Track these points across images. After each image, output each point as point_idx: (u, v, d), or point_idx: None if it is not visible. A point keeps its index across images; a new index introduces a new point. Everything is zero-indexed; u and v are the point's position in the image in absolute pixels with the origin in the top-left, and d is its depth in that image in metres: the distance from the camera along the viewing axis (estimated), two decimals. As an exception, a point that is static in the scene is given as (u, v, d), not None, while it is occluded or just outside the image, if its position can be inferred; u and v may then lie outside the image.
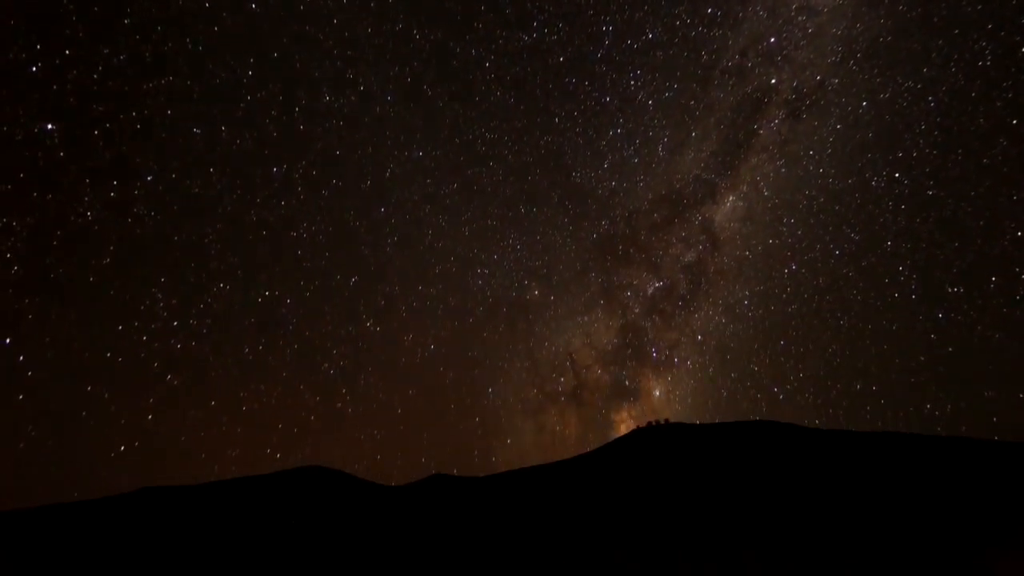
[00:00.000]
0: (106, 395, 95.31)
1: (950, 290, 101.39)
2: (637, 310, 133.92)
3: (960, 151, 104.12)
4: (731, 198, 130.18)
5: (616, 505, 31.97)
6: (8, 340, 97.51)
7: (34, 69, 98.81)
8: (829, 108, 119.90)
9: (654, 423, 49.24)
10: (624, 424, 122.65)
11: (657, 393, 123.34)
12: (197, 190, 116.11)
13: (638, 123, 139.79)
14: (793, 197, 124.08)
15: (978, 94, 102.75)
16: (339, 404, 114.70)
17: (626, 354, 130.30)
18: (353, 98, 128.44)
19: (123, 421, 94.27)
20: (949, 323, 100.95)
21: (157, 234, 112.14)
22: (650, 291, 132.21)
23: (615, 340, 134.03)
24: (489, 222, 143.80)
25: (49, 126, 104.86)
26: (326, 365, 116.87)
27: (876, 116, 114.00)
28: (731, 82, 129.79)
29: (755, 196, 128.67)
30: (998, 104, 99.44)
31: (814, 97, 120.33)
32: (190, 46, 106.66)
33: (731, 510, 28.05)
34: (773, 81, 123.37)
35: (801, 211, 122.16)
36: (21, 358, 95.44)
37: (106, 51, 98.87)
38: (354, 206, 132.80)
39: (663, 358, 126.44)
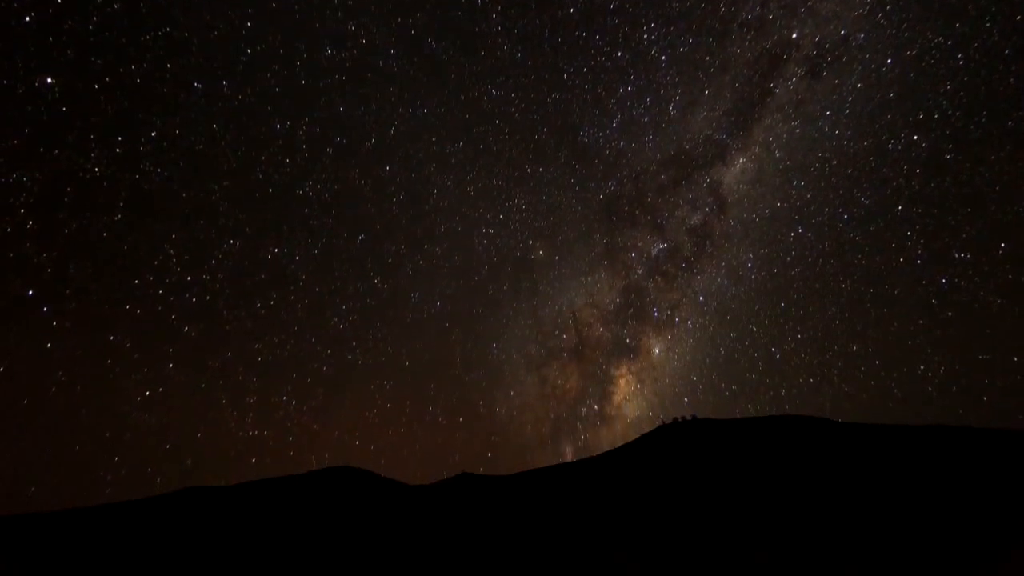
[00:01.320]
0: (128, 344, 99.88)
1: (957, 256, 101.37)
2: (640, 271, 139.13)
3: (985, 113, 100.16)
4: (741, 160, 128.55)
5: (642, 508, 32.24)
6: (31, 292, 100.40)
7: (27, 19, 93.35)
8: (851, 65, 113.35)
9: (680, 419, 49.16)
10: (623, 379, 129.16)
11: (656, 351, 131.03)
12: (201, 146, 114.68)
13: (650, 80, 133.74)
14: (805, 159, 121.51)
15: (1013, 52, 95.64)
16: (349, 356, 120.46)
17: (628, 313, 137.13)
18: (355, 51, 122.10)
19: (146, 370, 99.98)
20: (952, 288, 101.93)
21: (165, 190, 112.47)
22: (654, 252, 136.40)
23: (617, 300, 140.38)
24: (495, 182, 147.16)
25: (49, 79, 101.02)
26: (336, 320, 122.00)
27: (900, 74, 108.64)
28: (749, 36, 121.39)
29: (766, 158, 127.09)
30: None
31: (837, 53, 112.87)
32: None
33: (759, 513, 27.94)
34: (794, 35, 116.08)
35: (812, 174, 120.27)
36: (45, 308, 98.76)
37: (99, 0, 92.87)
38: (359, 164, 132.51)
39: (664, 318, 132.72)
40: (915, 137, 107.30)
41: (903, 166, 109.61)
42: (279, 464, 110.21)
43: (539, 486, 41.43)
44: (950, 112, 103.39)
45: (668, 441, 45.32)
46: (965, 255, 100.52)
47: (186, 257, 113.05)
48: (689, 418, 48.66)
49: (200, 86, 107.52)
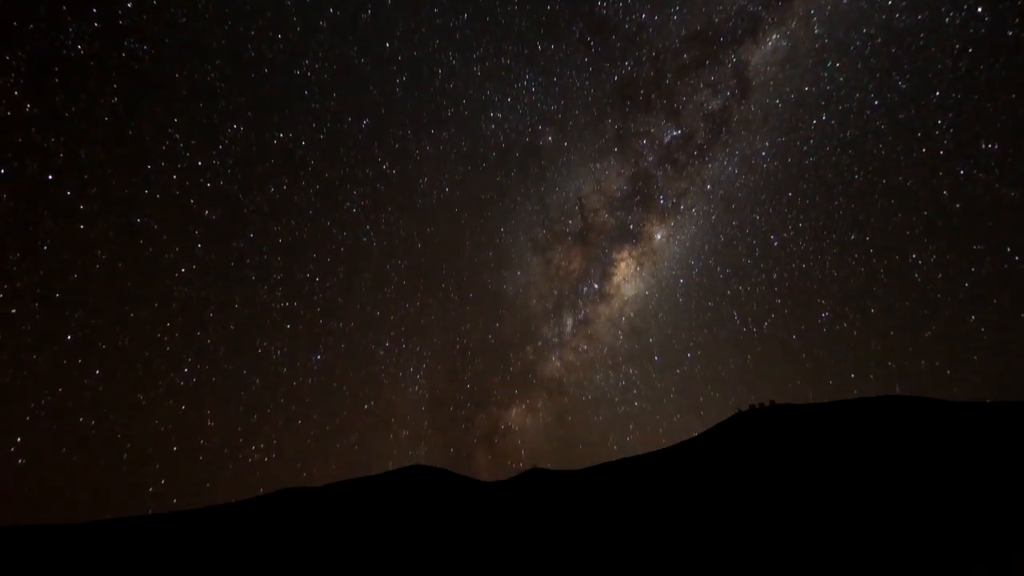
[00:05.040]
0: (155, 226, 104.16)
1: (984, 146, 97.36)
2: (651, 159, 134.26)
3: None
4: (775, 36, 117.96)
5: (722, 507, 32.30)
6: (50, 176, 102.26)
7: None
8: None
9: (757, 406, 46.71)
10: (624, 262, 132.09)
11: (658, 237, 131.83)
12: (184, 20, 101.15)
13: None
14: (847, 36, 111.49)
15: None
16: (364, 238, 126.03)
17: (634, 201, 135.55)
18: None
19: (177, 249, 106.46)
20: (968, 180, 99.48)
21: (157, 71, 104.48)
22: (667, 139, 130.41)
23: (625, 187, 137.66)
24: (503, 60, 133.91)
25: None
26: (348, 204, 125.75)
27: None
28: None
29: (803, 34, 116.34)
30: None
31: None
32: None
33: (852, 512, 27.18)
34: None
35: (851, 54, 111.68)
36: (68, 193, 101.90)
37: None
38: (357, 41, 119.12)
39: (669, 205, 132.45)
40: (979, 9, 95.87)
41: (955, 45, 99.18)
42: (313, 333, 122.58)
43: (611, 483, 42.09)
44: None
45: (746, 431, 43.94)
46: (993, 145, 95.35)
47: (193, 142, 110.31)
48: (768, 404, 46.33)
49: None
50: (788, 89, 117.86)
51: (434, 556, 30.49)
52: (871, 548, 22.97)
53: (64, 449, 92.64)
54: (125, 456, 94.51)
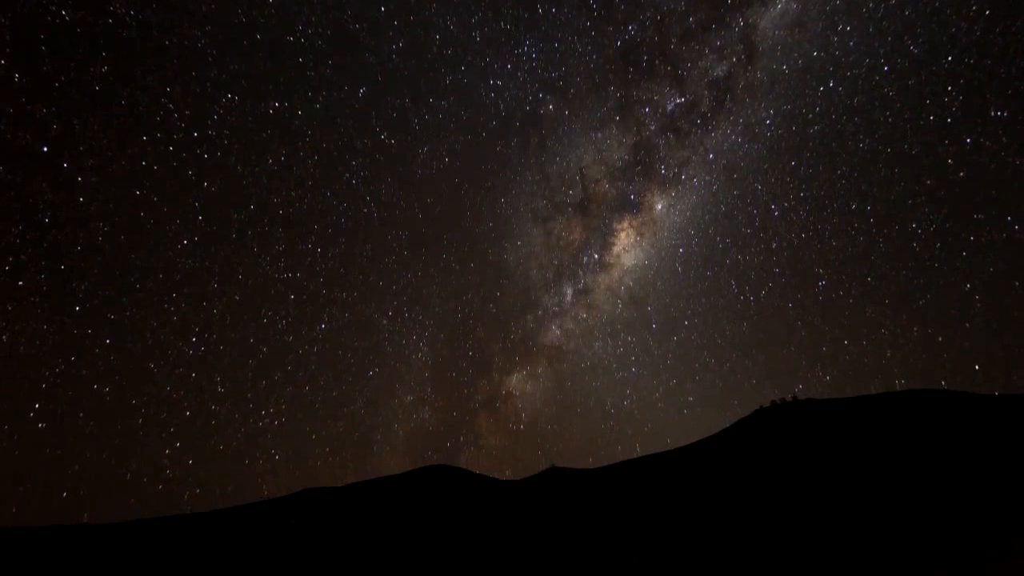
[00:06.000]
0: (155, 199, 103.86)
1: (993, 114, 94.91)
2: (653, 127, 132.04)
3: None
4: None
5: (744, 508, 32.37)
6: (45, 148, 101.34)
7: None
8: None
9: (778, 401, 45.60)
10: (624, 232, 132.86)
11: (659, 207, 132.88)
12: None
13: None
14: None
15: None
16: (365, 209, 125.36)
17: (635, 171, 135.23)
18: None
19: (178, 221, 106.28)
20: (974, 148, 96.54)
21: (145, 38, 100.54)
22: (669, 107, 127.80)
23: (626, 156, 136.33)
24: (502, 25, 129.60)
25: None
26: (347, 175, 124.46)
27: None
28: None
29: None
30: None
31: None
32: None
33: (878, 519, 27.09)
34: None
35: (863, 17, 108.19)
36: (65, 165, 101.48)
37: None
38: (350, 4, 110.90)
39: (671, 175, 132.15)
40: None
41: (971, 8, 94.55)
42: (317, 303, 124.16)
43: (632, 483, 42.09)
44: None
45: (767, 428, 43.24)
46: (1002, 113, 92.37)
47: (187, 112, 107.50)
48: (790, 399, 45.29)
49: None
50: (796, 54, 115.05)
51: (456, 557, 30.75)
52: (894, 549, 22.38)
53: (81, 414, 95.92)
54: (140, 421, 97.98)
